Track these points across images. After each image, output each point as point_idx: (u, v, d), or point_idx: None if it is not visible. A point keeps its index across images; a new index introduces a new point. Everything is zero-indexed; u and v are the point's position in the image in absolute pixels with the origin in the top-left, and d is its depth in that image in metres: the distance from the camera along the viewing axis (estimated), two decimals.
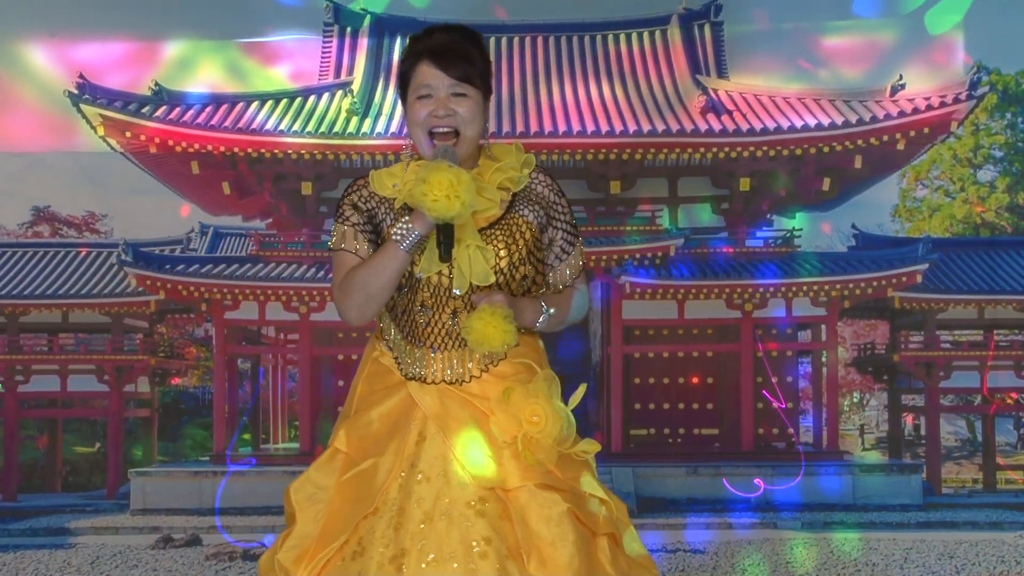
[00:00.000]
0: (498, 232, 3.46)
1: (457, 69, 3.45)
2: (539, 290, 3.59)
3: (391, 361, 3.55)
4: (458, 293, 3.42)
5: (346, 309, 3.43)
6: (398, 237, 3.33)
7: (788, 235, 31.21)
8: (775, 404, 29.50)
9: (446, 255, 3.31)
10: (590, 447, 3.50)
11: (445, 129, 3.45)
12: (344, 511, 3.39)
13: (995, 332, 33.24)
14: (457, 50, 3.47)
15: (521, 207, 3.52)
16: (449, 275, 3.41)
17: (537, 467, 3.34)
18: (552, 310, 3.51)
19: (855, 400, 54.52)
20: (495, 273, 3.43)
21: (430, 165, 3.28)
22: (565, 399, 3.47)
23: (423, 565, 3.24)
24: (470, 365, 3.47)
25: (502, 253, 3.44)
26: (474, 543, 3.26)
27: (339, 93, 30.79)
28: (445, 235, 3.30)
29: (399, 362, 3.52)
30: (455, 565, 3.23)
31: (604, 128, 29.24)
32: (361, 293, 3.38)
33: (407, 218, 3.35)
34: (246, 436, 35.63)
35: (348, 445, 3.48)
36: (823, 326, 30.74)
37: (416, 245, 3.33)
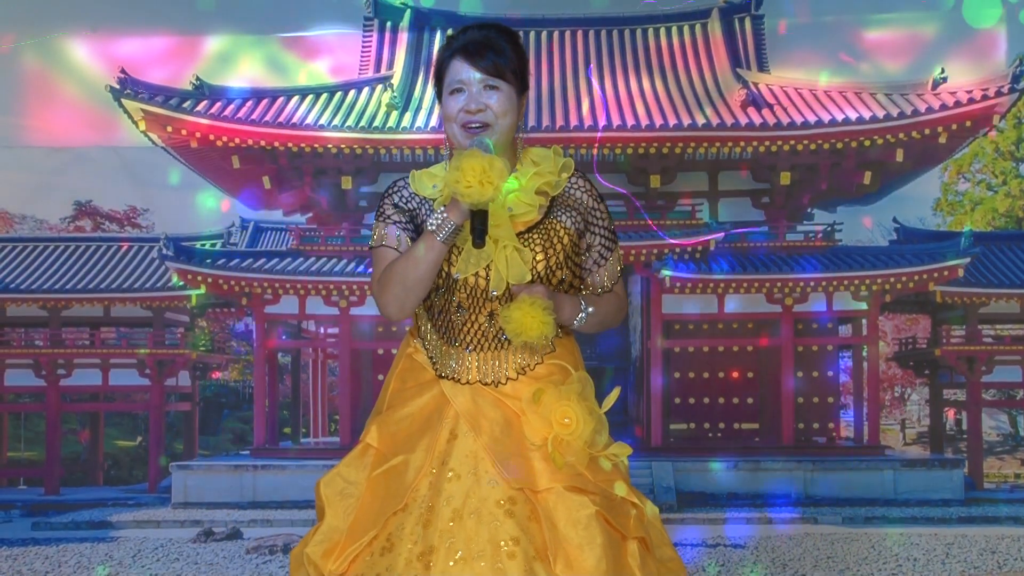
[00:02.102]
0: (536, 236, 3.47)
1: (488, 63, 3.47)
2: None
3: (425, 358, 3.57)
4: (495, 294, 3.43)
5: (385, 303, 3.44)
6: (434, 227, 3.34)
7: (829, 229, 31.09)
8: None
9: (480, 241, 3.31)
10: (621, 451, 3.49)
11: (477, 125, 3.46)
12: (374, 507, 3.40)
13: None
14: (489, 45, 3.49)
15: (559, 212, 3.53)
16: (486, 277, 3.42)
17: (567, 469, 3.35)
18: (591, 309, 3.51)
19: (896, 395, 54.27)
20: (532, 275, 3.43)
21: (464, 153, 3.30)
22: (603, 395, 3.47)
23: (451, 563, 3.25)
24: (505, 367, 3.48)
25: (539, 257, 3.44)
26: (502, 543, 3.26)
27: (379, 87, 30.82)
28: (479, 221, 3.30)
29: (434, 361, 3.53)
30: (483, 564, 3.24)
31: (644, 122, 29.20)
32: (399, 285, 3.39)
33: (443, 208, 3.36)
34: (287, 430, 35.76)
35: (379, 441, 3.49)
36: (864, 320, 30.65)
37: (452, 234, 3.33)
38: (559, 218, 3.52)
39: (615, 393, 3.54)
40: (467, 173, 3.23)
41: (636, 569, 3.36)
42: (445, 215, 3.33)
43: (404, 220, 3.52)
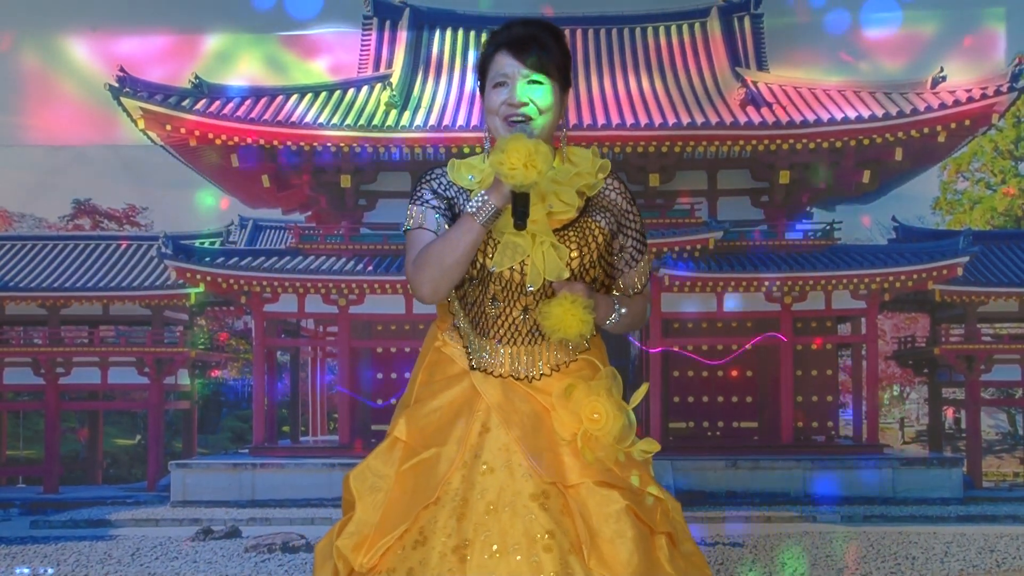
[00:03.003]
0: (571, 234, 3.48)
1: (533, 58, 3.48)
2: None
3: (453, 351, 3.57)
4: (532, 289, 3.43)
5: (420, 284, 3.43)
6: (474, 209, 3.34)
7: (828, 228, 31.11)
8: None
9: (521, 223, 3.32)
10: (650, 447, 3.51)
11: (520, 119, 3.46)
12: (404, 500, 3.40)
13: None
14: (535, 40, 3.50)
15: (594, 212, 3.54)
16: (521, 271, 3.42)
17: (596, 464, 3.36)
18: (623, 310, 3.52)
19: (895, 393, 54.30)
20: (568, 272, 3.44)
21: (509, 136, 3.32)
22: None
23: (486, 556, 3.25)
24: (540, 363, 3.49)
25: (574, 255, 3.45)
26: (538, 536, 3.27)
27: (378, 86, 30.80)
28: (521, 204, 3.31)
29: (468, 351, 3.54)
30: (519, 557, 3.24)
31: (644, 121, 29.22)
32: (436, 267, 3.38)
33: (483, 191, 3.37)
34: (286, 428, 35.76)
35: (408, 435, 3.49)
36: (863, 319, 30.65)
37: (492, 218, 3.34)
38: (594, 218, 3.53)
39: (643, 388, 3.57)
40: (512, 155, 3.24)
41: (665, 562, 3.38)
42: (486, 198, 3.34)
43: (443, 207, 3.53)
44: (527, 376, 3.49)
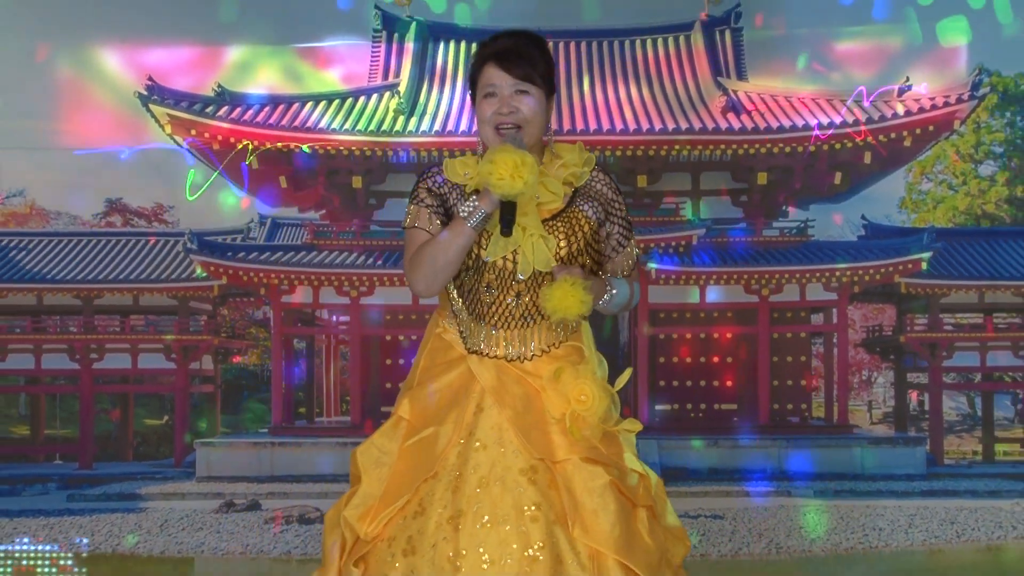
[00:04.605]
0: (559, 224, 3.50)
1: (519, 69, 3.50)
2: None
3: (452, 337, 3.60)
4: (522, 278, 3.47)
5: (415, 281, 3.47)
6: (465, 214, 3.39)
7: (802, 225, 31.17)
8: None
9: (507, 230, 3.36)
10: (632, 426, 3.54)
11: (509, 126, 3.50)
12: (406, 474, 3.43)
13: (994, 315, 33.10)
14: (519, 52, 3.52)
15: (581, 202, 3.57)
16: (513, 260, 3.47)
17: (583, 442, 3.39)
18: (615, 291, 3.55)
19: (864, 378, 54.27)
20: (556, 261, 3.48)
21: (498, 147, 3.35)
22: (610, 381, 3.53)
23: (478, 526, 3.29)
24: (532, 344, 3.53)
25: (562, 243, 3.48)
26: (526, 508, 3.30)
27: (387, 94, 30.82)
28: (508, 212, 3.34)
29: (464, 336, 3.58)
30: (508, 527, 3.28)
31: (632, 126, 29.23)
32: (429, 266, 3.42)
33: (474, 196, 3.41)
34: (302, 410, 35.79)
35: (411, 413, 3.52)
36: (834, 310, 30.66)
37: (482, 222, 3.38)
38: (581, 208, 3.56)
39: (627, 373, 3.57)
40: (499, 166, 3.28)
41: (645, 534, 3.40)
42: (476, 203, 3.38)
43: (436, 204, 3.55)
44: (519, 357, 3.52)
